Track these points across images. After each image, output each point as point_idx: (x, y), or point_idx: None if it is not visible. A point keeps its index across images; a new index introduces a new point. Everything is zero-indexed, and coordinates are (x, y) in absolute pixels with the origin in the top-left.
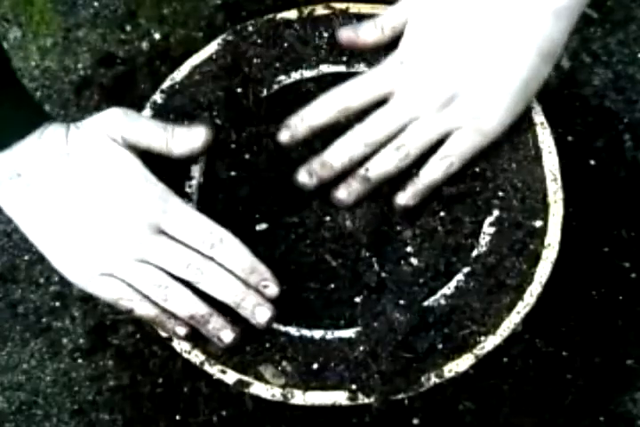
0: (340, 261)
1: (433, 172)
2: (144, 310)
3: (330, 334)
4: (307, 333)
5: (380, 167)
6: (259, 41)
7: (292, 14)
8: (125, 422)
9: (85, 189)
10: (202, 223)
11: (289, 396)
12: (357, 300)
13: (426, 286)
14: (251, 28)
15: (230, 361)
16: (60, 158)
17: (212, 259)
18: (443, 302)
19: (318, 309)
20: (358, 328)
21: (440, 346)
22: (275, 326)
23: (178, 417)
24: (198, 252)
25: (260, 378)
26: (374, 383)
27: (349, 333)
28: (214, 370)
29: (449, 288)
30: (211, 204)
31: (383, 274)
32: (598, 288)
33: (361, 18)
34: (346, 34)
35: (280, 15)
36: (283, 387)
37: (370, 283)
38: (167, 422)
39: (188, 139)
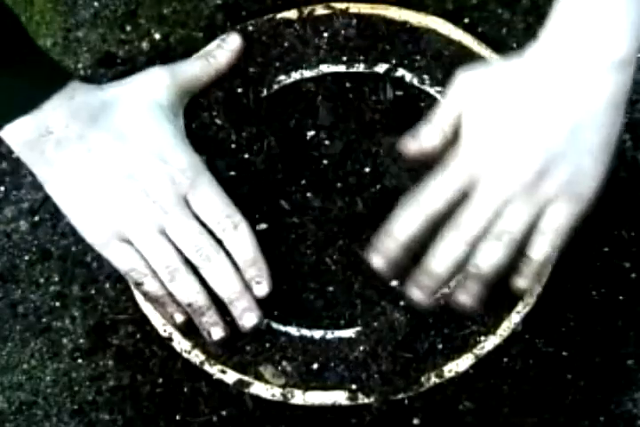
0: (340, 262)
1: (543, 248)
2: (152, 286)
3: (330, 334)
4: (307, 333)
5: (489, 261)
6: (259, 41)
7: (292, 14)
8: (125, 422)
9: (118, 151)
10: (223, 206)
11: (289, 396)
12: (357, 300)
13: None
14: (251, 28)
15: (230, 361)
16: (94, 119)
17: (220, 243)
18: (443, 302)
19: (318, 309)
20: (358, 328)
21: (440, 346)
22: (275, 326)
23: (178, 417)
24: (212, 234)
25: (260, 378)
26: (374, 383)
27: (349, 333)
28: (214, 370)
29: (449, 288)
30: None
31: None
32: (598, 288)
33: (361, 18)
34: (410, 146)
35: (280, 15)
36: (283, 387)
37: (370, 283)
38: (167, 422)
39: (226, 53)
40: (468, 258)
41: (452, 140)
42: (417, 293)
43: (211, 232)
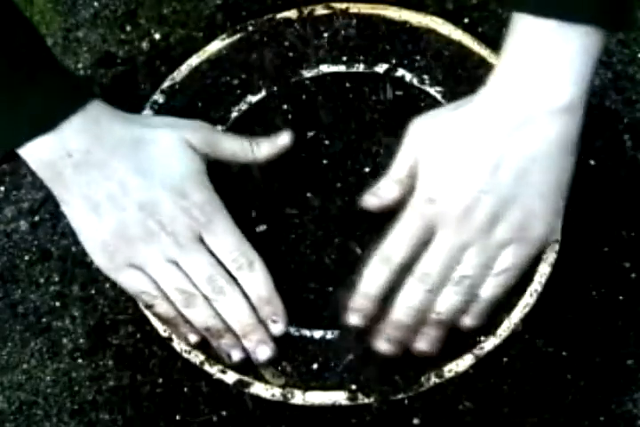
0: (340, 262)
1: (494, 289)
2: (164, 309)
3: (330, 334)
4: (307, 333)
5: (449, 306)
6: (259, 41)
7: (292, 14)
8: (125, 422)
9: (138, 183)
10: (238, 244)
11: (289, 396)
12: None
13: None
14: (251, 28)
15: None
16: (118, 148)
17: (235, 280)
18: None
19: (318, 309)
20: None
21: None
22: None
23: (178, 417)
24: (227, 270)
25: (260, 378)
26: (374, 383)
27: (350, 333)
28: (214, 370)
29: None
30: None
31: None
32: (598, 288)
33: (361, 18)
34: (370, 202)
35: (280, 15)
36: (283, 387)
37: None
38: (167, 422)
39: (271, 143)
40: (431, 305)
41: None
42: (384, 345)
43: (225, 269)
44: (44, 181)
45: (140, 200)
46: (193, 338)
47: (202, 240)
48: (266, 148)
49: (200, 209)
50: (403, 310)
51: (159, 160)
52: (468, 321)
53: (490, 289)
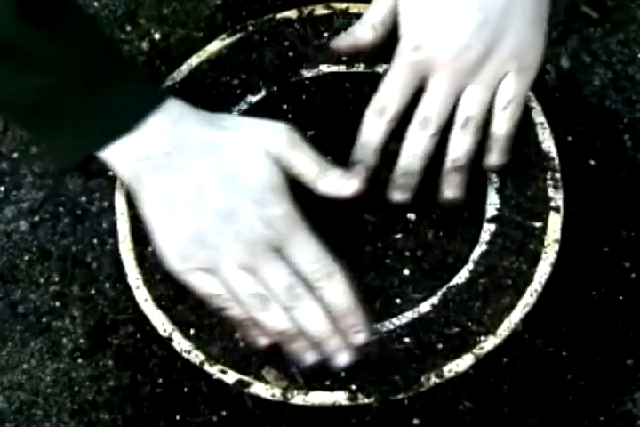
0: (340, 262)
1: (504, 122)
2: (235, 312)
3: None
4: None
5: (461, 150)
6: (259, 41)
7: (292, 14)
8: (125, 422)
9: (217, 189)
10: (319, 254)
11: (289, 396)
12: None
13: (426, 287)
14: (251, 28)
15: (232, 364)
16: (198, 152)
17: (312, 289)
18: (443, 302)
19: None
20: None
21: (440, 346)
22: None
23: (178, 417)
24: (303, 279)
25: (261, 378)
26: (374, 383)
27: None
28: (214, 370)
29: (449, 288)
30: None
31: (383, 274)
32: (598, 288)
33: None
34: (343, 40)
35: (280, 15)
36: (285, 389)
37: (370, 283)
38: (167, 422)
39: (337, 185)
40: (436, 148)
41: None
42: (397, 195)
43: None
44: (124, 181)
45: (219, 207)
46: (263, 341)
47: (277, 250)
48: (327, 186)
49: (281, 221)
50: (409, 158)
51: (239, 168)
52: (492, 160)
53: (502, 124)
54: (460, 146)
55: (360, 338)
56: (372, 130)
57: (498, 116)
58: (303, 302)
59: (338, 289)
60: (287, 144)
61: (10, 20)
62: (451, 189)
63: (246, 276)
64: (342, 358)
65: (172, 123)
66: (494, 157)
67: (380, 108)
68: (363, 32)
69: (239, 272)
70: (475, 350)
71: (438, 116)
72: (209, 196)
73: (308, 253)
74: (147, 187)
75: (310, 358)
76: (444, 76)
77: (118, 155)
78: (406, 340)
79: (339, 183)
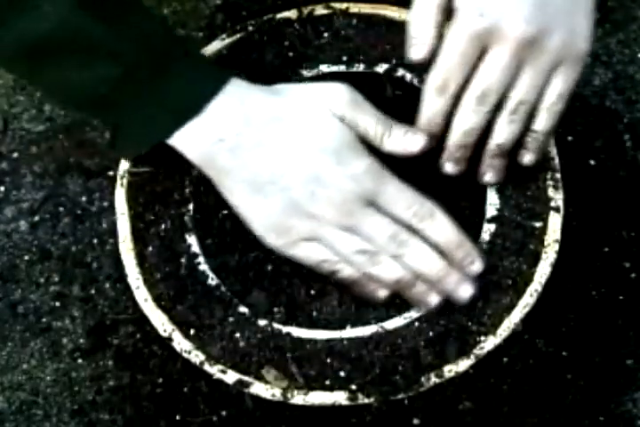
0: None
1: (551, 118)
2: (348, 272)
3: (331, 335)
4: (307, 333)
5: (507, 136)
6: (259, 41)
7: (292, 14)
8: (125, 422)
9: (298, 156)
10: (414, 198)
11: (289, 396)
12: (357, 301)
13: None
14: (251, 28)
15: (231, 364)
16: (268, 124)
17: (415, 233)
18: (443, 302)
19: (319, 309)
20: (359, 329)
21: (440, 346)
22: (275, 327)
23: (178, 417)
24: (404, 226)
25: (261, 378)
26: (374, 383)
27: (350, 333)
28: (214, 370)
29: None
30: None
31: None
32: (598, 288)
33: (361, 18)
34: (418, 53)
35: (280, 15)
36: (285, 389)
37: None
38: (167, 422)
39: (403, 141)
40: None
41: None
42: (450, 167)
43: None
44: (201, 169)
45: (303, 176)
46: (383, 293)
47: (371, 204)
48: (393, 144)
49: (367, 175)
50: (464, 133)
51: (310, 132)
52: (528, 157)
53: (548, 120)
54: (507, 131)
55: (476, 267)
56: (434, 109)
57: (545, 110)
58: (411, 246)
59: (442, 225)
60: (350, 104)
61: (72, 10)
62: (491, 174)
63: (348, 235)
64: (465, 291)
65: (238, 102)
66: (529, 155)
67: (440, 85)
68: (426, 28)
69: (341, 233)
70: (475, 350)
71: (496, 92)
72: (290, 167)
73: (403, 198)
74: (227, 172)
75: (433, 299)
76: (506, 48)
77: (190, 140)
78: (406, 340)
79: (405, 140)
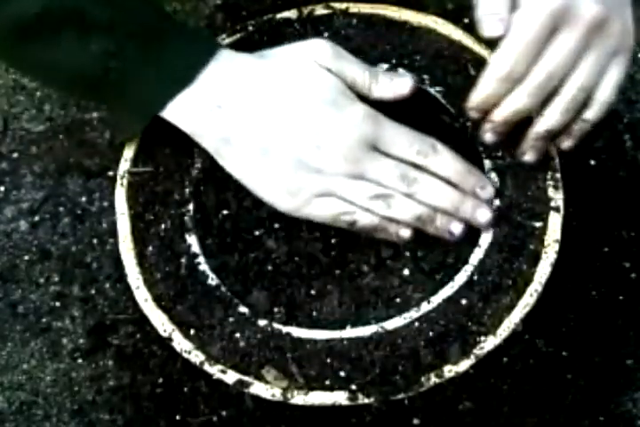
0: (341, 262)
1: (602, 108)
2: (367, 219)
3: (331, 335)
4: (307, 333)
5: (561, 120)
6: (259, 41)
7: (292, 14)
8: (125, 422)
9: (293, 113)
10: (413, 136)
11: (289, 396)
12: (357, 301)
13: (426, 287)
14: (251, 28)
15: (231, 364)
16: (261, 85)
17: (422, 169)
18: (443, 302)
19: (319, 309)
20: (359, 329)
21: (440, 346)
22: (275, 327)
23: (178, 417)
24: (410, 164)
25: (261, 378)
26: (374, 383)
27: (350, 333)
28: (214, 370)
29: (449, 288)
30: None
31: (383, 274)
32: (598, 288)
33: (361, 18)
34: (486, 32)
35: (280, 15)
36: (285, 389)
37: (370, 283)
38: (167, 422)
39: (392, 85)
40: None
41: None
42: (489, 136)
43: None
44: (200, 141)
45: (305, 131)
46: (406, 233)
47: (375, 149)
48: (382, 90)
49: (365, 119)
50: (509, 113)
51: (305, 87)
52: (568, 143)
53: (597, 110)
54: (561, 118)
55: (487, 192)
56: (493, 93)
57: (599, 99)
58: (421, 182)
59: (446, 158)
60: (334, 55)
61: None
62: (532, 154)
63: (359, 182)
64: (483, 215)
65: (230, 68)
66: (570, 141)
67: (508, 72)
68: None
69: (352, 182)
70: (475, 350)
71: (559, 76)
72: (290, 124)
73: (403, 138)
74: (225, 141)
75: (457, 228)
76: (577, 29)
77: (186, 110)
78: (406, 340)
79: (393, 84)
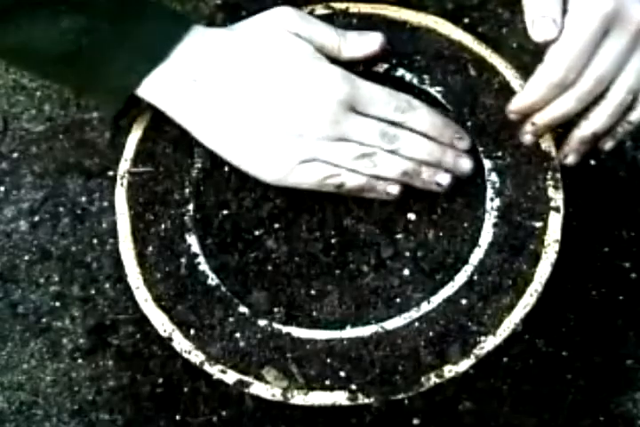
0: (341, 262)
1: None
2: (354, 180)
3: (331, 335)
4: (307, 333)
5: (607, 124)
6: None
7: None
8: (125, 422)
9: (269, 81)
10: (389, 92)
11: (289, 396)
12: (357, 301)
13: (426, 287)
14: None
15: (231, 364)
16: (235, 56)
17: (400, 125)
18: (443, 302)
19: (318, 309)
20: (359, 329)
21: (440, 346)
22: (275, 327)
23: (178, 417)
24: (388, 122)
25: (261, 378)
26: (374, 383)
27: (350, 333)
28: (214, 370)
29: (449, 288)
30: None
31: (383, 274)
32: (598, 288)
33: (361, 18)
34: (540, 35)
35: None
36: (285, 389)
37: (370, 283)
38: (167, 422)
39: (361, 42)
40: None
41: None
42: (529, 137)
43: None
44: (177, 119)
45: (283, 97)
46: (394, 189)
47: (352, 109)
48: (351, 49)
49: (340, 80)
50: (552, 118)
51: (277, 53)
52: (610, 144)
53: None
54: (608, 121)
55: (465, 143)
56: (542, 98)
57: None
58: (402, 137)
59: (423, 111)
60: (300, 19)
61: None
62: (575, 156)
63: (342, 144)
64: (465, 163)
65: (203, 42)
66: (613, 143)
67: (561, 77)
68: (549, 30)
69: (334, 144)
70: (475, 350)
71: (608, 79)
72: (268, 92)
73: (379, 96)
74: (203, 116)
75: (444, 179)
76: (625, 33)
77: (161, 87)
78: (406, 340)
79: (362, 40)
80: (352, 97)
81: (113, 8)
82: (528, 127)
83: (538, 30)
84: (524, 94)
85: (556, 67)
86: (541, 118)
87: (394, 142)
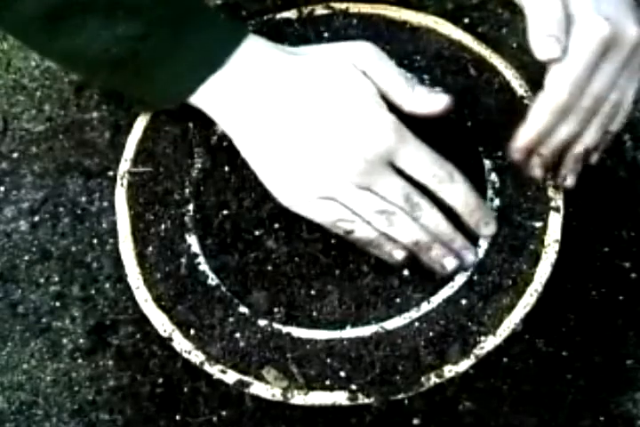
0: (341, 262)
1: (622, 121)
2: (365, 232)
3: (331, 335)
4: (307, 333)
5: (594, 140)
6: None
7: (291, 14)
8: (125, 423)
9: (319, 112)
10: (434, 158)
11: (289, 396)
12: (357, 301)
13: (426, 287)
14: (251, 28)
15: (231, 364)
16: (295, 79)
17: (426, 196)
18: (443, 302)
19: (318, 309)
20: (359, 329)
21: (440, 346)
22: (275, 327)
23: (178, 417)
24: (420, 187)
25: (261, 378)
26: (374, 383)
27: (350, 333)
28: (214, 370)
29: (449, 288)
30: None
31: (383, 274)
32: (598, 288)
33: (361, 18)
34: (544, 54)
35: (280, 15)
36: (285, 389)
37: (370, 283)
38: (167, 422)
39: (427, 99)
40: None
41: None
42: (538, 171)
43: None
44: (223, 127)
45: (328, 134)
46: (400, 254)
47: (390, 163)
48: (417, 104)
49: (389, 131)
50: (559, 143)
51: (334, 87)
52: (595, 157)
53: (620, 122)
54: (598, 135)
55: (490, 229)
56: (548, 128)
57: (624, 112)
58: (425, 209)
59: (461, 188)
60: (374, 57)
61: None
62: (572, 178)
63: (366, 194)
64: (470, 257)
65: (260, 55)
66: (597, 155)
67: (566, 103)
68: (553, 49)
69: (359, 192)
70: (475, 350)
71: (604, 99)
72: (312, 124)
73: (423, 158)
74: (247, 128)
75: (450, 264)
76: (621, 53)
77: (213, 95)
78: (406, 340)
79: (428, 97)
80: (395, 151)
81: (169, 14)
82: (535, 160)
83: (542, 49)
84: (529, 126)
85: (559, 92)
86: (547, 148)
87: (415, 210)
